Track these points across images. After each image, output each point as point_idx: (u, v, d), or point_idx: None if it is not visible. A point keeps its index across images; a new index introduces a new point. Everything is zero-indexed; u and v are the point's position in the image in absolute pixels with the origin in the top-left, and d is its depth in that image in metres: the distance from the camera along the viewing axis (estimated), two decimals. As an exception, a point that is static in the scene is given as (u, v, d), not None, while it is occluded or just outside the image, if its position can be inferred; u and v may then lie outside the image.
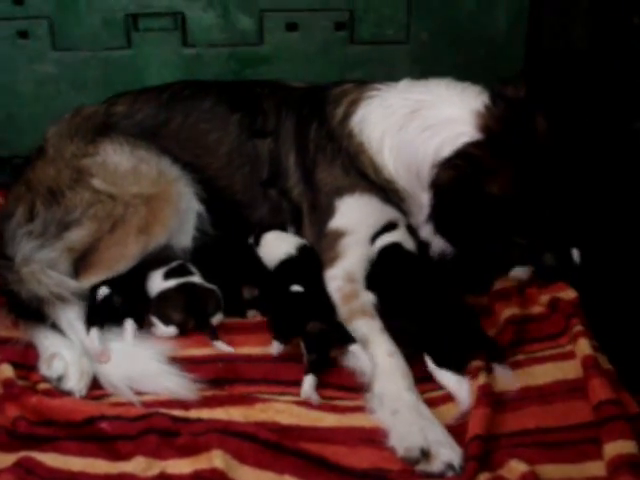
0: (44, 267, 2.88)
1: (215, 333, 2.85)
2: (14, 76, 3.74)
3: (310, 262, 3.05)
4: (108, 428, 2.47)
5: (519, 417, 2.47)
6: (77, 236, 2.97)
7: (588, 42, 3.31)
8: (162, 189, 3.07)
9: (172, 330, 2.86)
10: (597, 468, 2.27)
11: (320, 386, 2.62)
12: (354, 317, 2.78)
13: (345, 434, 2.45)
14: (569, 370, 2.63)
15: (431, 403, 2.53)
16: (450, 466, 2.29)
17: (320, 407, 2.55)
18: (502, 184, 2.72)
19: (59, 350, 2.74)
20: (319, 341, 2.68)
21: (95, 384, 2.68)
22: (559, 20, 3.53)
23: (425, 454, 2.31)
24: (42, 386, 2.67)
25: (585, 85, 3.32)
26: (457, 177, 2.75)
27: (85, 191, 3.03)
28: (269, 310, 2.92)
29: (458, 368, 2.60)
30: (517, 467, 2.25)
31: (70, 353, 2.72)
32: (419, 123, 2.93)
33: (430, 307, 2.71)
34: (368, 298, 2.86)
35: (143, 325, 2.89)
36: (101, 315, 2.84)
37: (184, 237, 3.17)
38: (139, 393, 2.62)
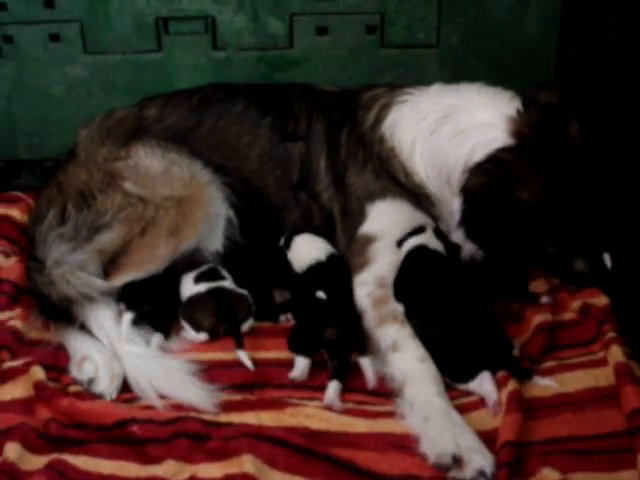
0: (73, 268, 2.91)
1: (241, 342, 2.80)
2: (45, 79, 3.74)
3: (338, 270, 3.02)
4: (139, 431, 2.47)
5: (551, 424, 2.45)
6: (108, 239, 2.99)
7: (621, 48, 3.27)
8: (193, 192, 3.07)
9: (203, 336, 2.86)
10: (630, 477, 2.26)
11: (350, 391, 2.62)
12: (384, 322, 2.76)
13: (376, 440, 2.44)
14: (601, 377, 2.61)
15: (462, 409, 2.52)
16: (482, 473, 2.28)
17: (350, 412, 2.54)
18: (533, 190, 2.71)
19: (90, 353, 2.75)
20: (339, 347, 2.68)
21: (125, 387, 2.69)
22: (591, 26, 3.50)
23: (457, 461, 2.30)
24: (73, 388, 2.67)
25: (617, 92, 3.29)
26: (488, 183, 2.74)
27: (116, 194, 3.04)
28: (299, 315, 2.92)
29: (466, 380, 2.58)
30: (550, 475, 2.24)
31: (101, 356, 2.74)
32: (451, 128, 2.92)
33: (453, 313, 2.69)
34: (398, 304, 2.83)
35: (170, 335, 2.89)
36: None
37: (214, 241, 3.17)
38: (169, 397, 2.62)
